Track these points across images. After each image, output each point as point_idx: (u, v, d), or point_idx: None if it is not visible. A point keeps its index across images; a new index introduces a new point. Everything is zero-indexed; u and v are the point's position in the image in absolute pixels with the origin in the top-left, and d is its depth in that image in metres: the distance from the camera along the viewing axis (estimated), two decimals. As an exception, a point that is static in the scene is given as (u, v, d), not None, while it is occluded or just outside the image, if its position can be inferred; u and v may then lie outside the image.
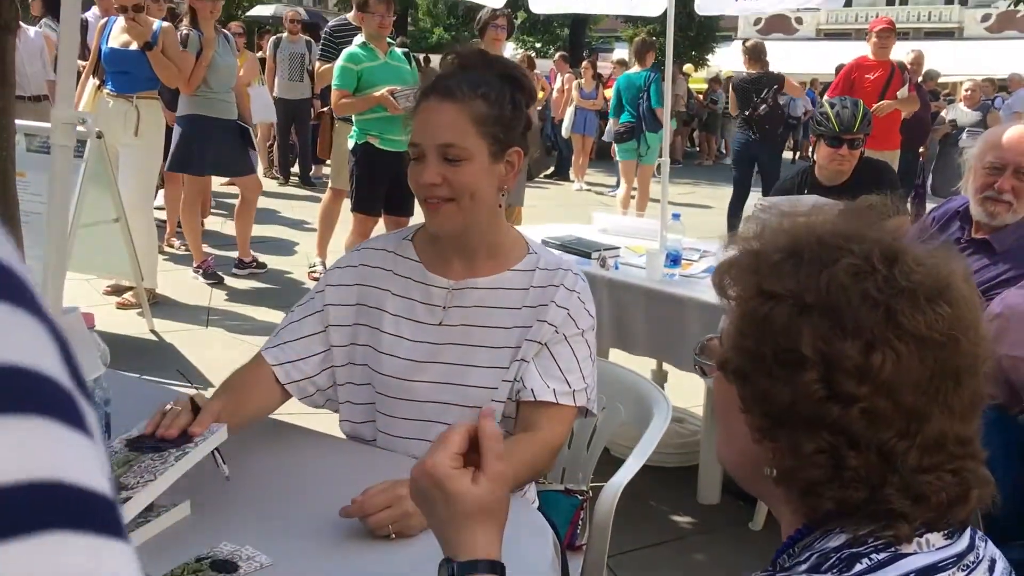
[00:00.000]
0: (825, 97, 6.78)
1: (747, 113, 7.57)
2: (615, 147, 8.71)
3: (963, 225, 2.83)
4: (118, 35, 5.57)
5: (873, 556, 0.85)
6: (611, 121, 8.84)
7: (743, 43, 8.49)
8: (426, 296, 1.74)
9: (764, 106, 7.48)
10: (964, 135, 10.08)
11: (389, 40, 5.48)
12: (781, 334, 0.88)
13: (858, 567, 0.84)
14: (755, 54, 7.94)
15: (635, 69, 8.73)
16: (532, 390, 1.68)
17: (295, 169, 11.19)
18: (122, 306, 5.41)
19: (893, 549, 0.86)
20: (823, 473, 0.87)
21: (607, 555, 1.95)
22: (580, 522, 2.03)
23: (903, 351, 0.85)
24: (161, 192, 7.79)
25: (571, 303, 1.71)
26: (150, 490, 1.30)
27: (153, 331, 5.07)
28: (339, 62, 5.37)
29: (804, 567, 0.86)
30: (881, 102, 6.40)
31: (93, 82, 5.69)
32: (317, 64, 6.86)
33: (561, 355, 1.70)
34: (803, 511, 0.92)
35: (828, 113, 3.63)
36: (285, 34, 10.29)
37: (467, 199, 1.62)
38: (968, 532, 0.92)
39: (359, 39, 5.41)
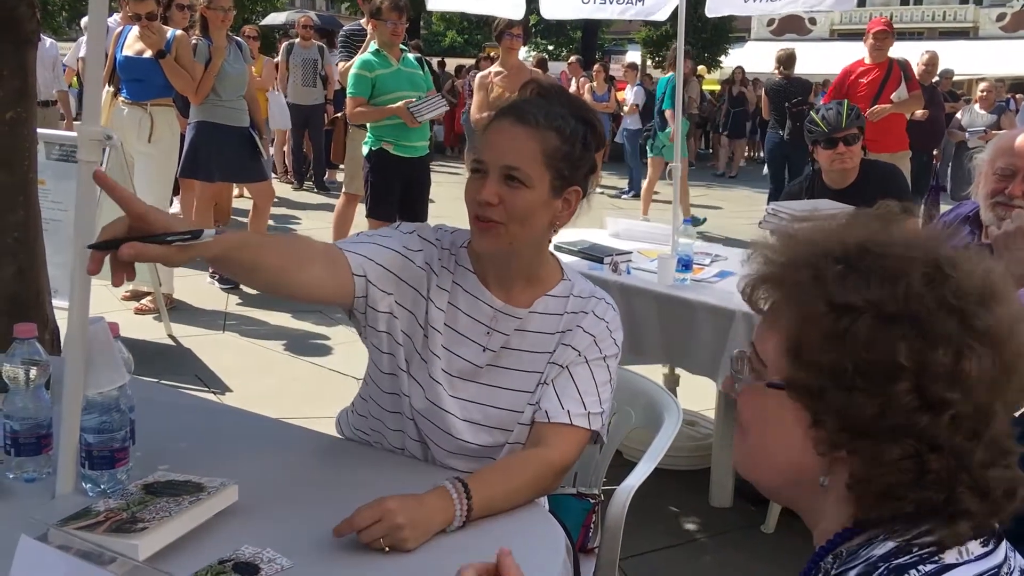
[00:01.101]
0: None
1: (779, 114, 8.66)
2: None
3: (973, 230, 2.83)
4: (132, 43, 5.65)
5: (920, 568, 0.86)
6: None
7: (777, 52, 9.57)
8: (472, 309, 1.74)
9: (795, 109, 8.20)
10: (968, 136, 10.08)
11: (402, 46, 5.53)
12: (867, 347, 0.88)
13: None
14: (788, 62, 9.18)
15: (670, 74, 9.63)
16: (547, 412, 1.68)
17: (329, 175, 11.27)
18: (140, 312, 5.47)
19: (938, 559, 0.87)
20: (906, 477, 0.88)
21: (619, 557, 1.97)
22: (592, 525, 2.05)
23: (982, 353, 0.87)
24: (177, 199, 7.89)
25: (598, 330, 1.73)
26: (168, 527, 1.34)
27: (171, 336, 5.13)
28: (353, 69, 5.41)
29: (853, 574, 0.87)
30: (874, 107, 6.31)
31: (108, 90, 5.76)
32: (340, 65, 6.94)
33: (580, 377, 1.71)
34: (865, 514, 0.92)
35: (815, 119, 3.69)
36: (298, 40, 10.34)
37: (517, 225, 1.63)
38: (1003, 542, 0.93)
39: (372, 45, 5.46)
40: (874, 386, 0.88)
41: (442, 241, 1.78)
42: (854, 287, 0.90)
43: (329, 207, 8.07)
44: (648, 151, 9.65)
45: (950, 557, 0.88)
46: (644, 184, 9.85)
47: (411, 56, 5.66)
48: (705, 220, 9.64)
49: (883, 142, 6.39)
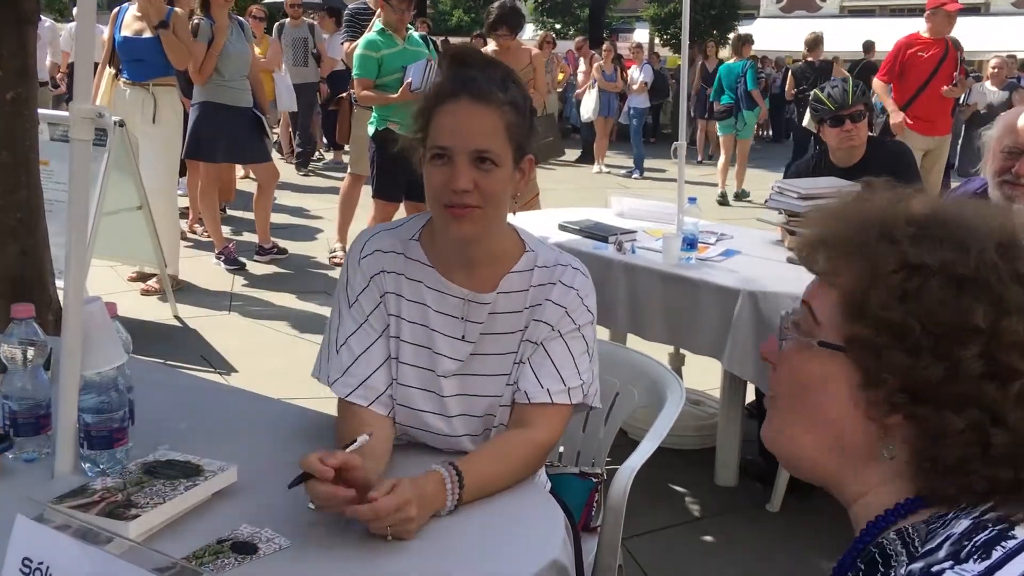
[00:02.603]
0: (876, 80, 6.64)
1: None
2: (716, 124, 10.98)
3: None
4: (131, 23, 5.63)
5: (1005, 544, 0.84)
6: (714, 104, 10.73)
7: (806, 37, 10.76)
8: (440, 304, 1.68)
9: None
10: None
11: (408, 24, 5.50)
12: (939, 307, 0.86)
13: (996, 553, 0.83)
14: (814, 45, 10.53)
15: (733, 59, 10.82)
16: (526, 392, 1.65)
17: (316, 155, 11.23)
18: (146, 292, 5.49)
19: (1012, 534, 0.85)
20: (972, 452, 0.86)
21: (623, 536, 1.97)
22: (595, 504, 2.05)
23: None
24: (184, 180, 7.88)
25: (568, 300, 1.67)
26: (159, 511, 1.34)
27: (176, 317, 5.14)
28: (358, 50, 5.39)
29: (942, 554, 0.84)
30: (948, 87, 6.24)
31: (109, 71, 5.75)
32: (346, 45, 6.90)
33: (556, 352, 1.66)
34: (931, 489, 0.89)
35: (820, 97, 3.66)
36: (288, 19, 10.21)
37: (492, 207, 1.59)
38: None
39: (377, 24, 5.43)
40: (942, 349, 0.86)
41: (381, 249, 1.71)
42: (928, 248, 0.88)
43: (334, 188, 8.05)
44: (724, 130, 10.32)
45: (1021, 533, 0.85)
46: (720, 161, 10.43)
47: (416, 35, 5.63)
48: (748, 193, 10.31)
49: (937, 124, 6.36)
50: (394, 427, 1.69)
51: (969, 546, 0.84)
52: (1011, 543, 0.84)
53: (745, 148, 10.41)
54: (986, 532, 0.85)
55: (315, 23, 10.42)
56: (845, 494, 0.97)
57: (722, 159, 10.33)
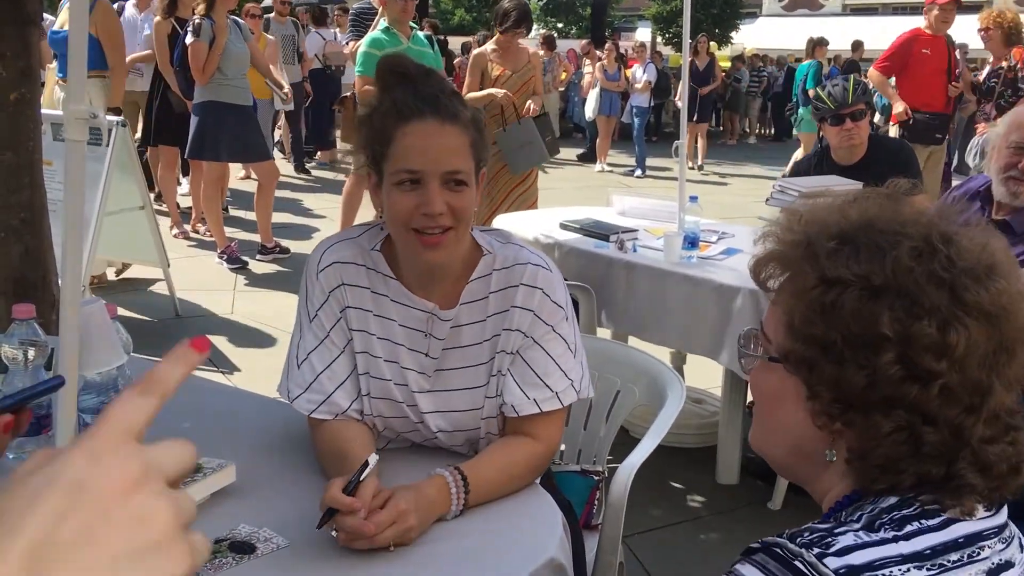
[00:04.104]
0: (869, 72, 6.62)
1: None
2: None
3: (984, 206, 2.80)
4: (62, 18, 5.68)
5: (923, 521, 0.88)
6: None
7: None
8: (406, 318, 1.63)
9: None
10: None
11: (412, 24, 5.48)
12: (853, 319, 0.89)
13: (909, 528, 0.88)
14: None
15: (805, 61, 11.38)
16: (513, 406, 1.61)
17: (319, 156, 11.22)
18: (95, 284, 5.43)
19: (943, 514, 0.89)
20: (902, 450, 0.89)
21: (625, 534, 1.97)
22: (596, 502, 2.06)
23: (972, 326, 0.88)
24: (186, 179, 7.90)
25: (534, 301, 1.60)
26: None
27: (179, 315, 5.15)
28: (362, 47, 5.38)
29: (858, 525, 0.89)
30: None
31: (51, 67, 5.81)
32: (351, 44, 6.92)
33: (536, 360, 1.61)
34: (866, 485, 0.93)
35: (821, 95, 3.67)
36: (272, 15, 10.05)
37: (464, 226, 1.54)
38: (1004, 508, 0.95)
39: (383, 23, 5.41)
40: (861, 357, 0.89)
41: (340, 260, 1.64)
42: (843, 262, 0.92)
43: (334, 186, 8.06)
44: (796, 128, 10.83)
45: (952, 515, 0.90)
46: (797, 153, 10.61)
47: (421, 34, 5.62)
48: None
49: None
50: (373, 430, 1.67)
51: (886, 519, 0.89)
52: (930, 521, 0.89)
53: (808, 142, 10.42)
54: (909, 509, 0.90)
55: (297, 21, 10.40)
56: (815, 493, 1.02)
57: (799, 152, 10.53)
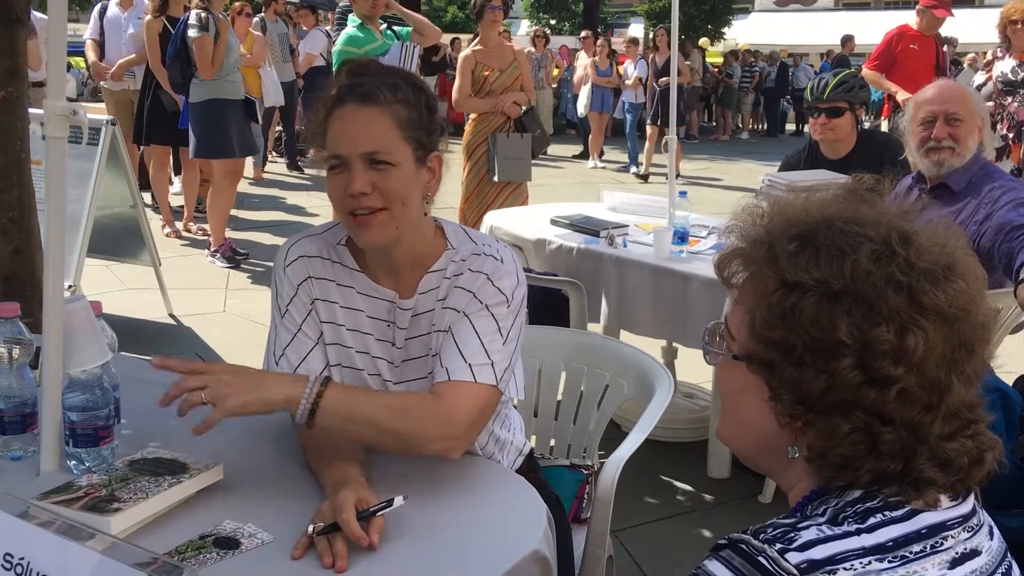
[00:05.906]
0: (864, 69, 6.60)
1: None
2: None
3: (920, 186, 2.97)
4: None
5: (887, 512, 0.90)
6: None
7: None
8: (372, 309, 1.66)
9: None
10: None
11: (381, 19, 5.37)
12: (812, 324, 0.90)
13: (872, 520, 0.89)
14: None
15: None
16: (431, 374, 1.61)
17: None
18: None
19: (907, 506, 0.91)
20: (859, 449, 0.91)
21: (616, 528, 1.97)
22: (585, 496, 2.06)
23: (929, 329, 0.88)
24: (178, 179, 7.87)
25: (476, 284, 1.61)
26: (141, 507, 1.34)
27: (171, 315, 5.14)
28: (338, 46, 5.30)
29: (822, 519, 0.90)
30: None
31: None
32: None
33: (460, 332, 1.59)
34: (827, 481, 0.95)
35: (807, 86, 3.72)
36: (264, 12, 10.04)
37: (399, 207, 1.55)
38: (971, 496, 0.96)
39: (356, 20, 5.34)
40: (820, 362, 0.90)
41: (306, 255, 1.69)
42: (803, 265, 0.92)
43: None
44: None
45: (916, 505, 0.91)
46: None
47: (393, 29, 5.50)
48: None
49: None
50: None
51: (850, 512, 0.90)
52: (894, 512, 0.90)
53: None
54: (873, 501, 0.91)
55: (287, 19, 10.37)
56: (783, 486, 1.04)
57: None
